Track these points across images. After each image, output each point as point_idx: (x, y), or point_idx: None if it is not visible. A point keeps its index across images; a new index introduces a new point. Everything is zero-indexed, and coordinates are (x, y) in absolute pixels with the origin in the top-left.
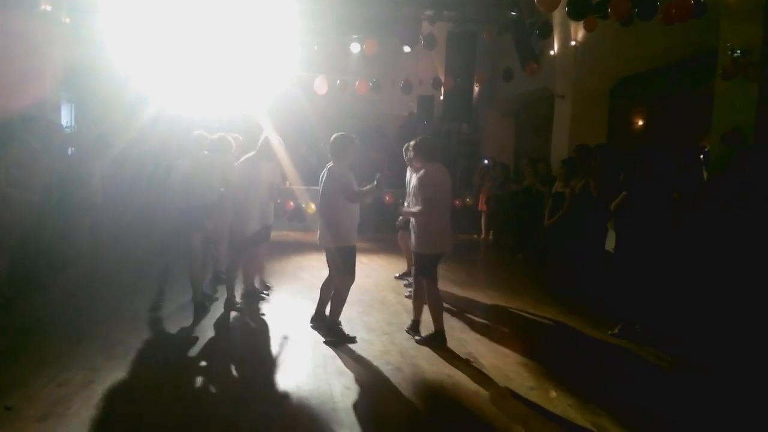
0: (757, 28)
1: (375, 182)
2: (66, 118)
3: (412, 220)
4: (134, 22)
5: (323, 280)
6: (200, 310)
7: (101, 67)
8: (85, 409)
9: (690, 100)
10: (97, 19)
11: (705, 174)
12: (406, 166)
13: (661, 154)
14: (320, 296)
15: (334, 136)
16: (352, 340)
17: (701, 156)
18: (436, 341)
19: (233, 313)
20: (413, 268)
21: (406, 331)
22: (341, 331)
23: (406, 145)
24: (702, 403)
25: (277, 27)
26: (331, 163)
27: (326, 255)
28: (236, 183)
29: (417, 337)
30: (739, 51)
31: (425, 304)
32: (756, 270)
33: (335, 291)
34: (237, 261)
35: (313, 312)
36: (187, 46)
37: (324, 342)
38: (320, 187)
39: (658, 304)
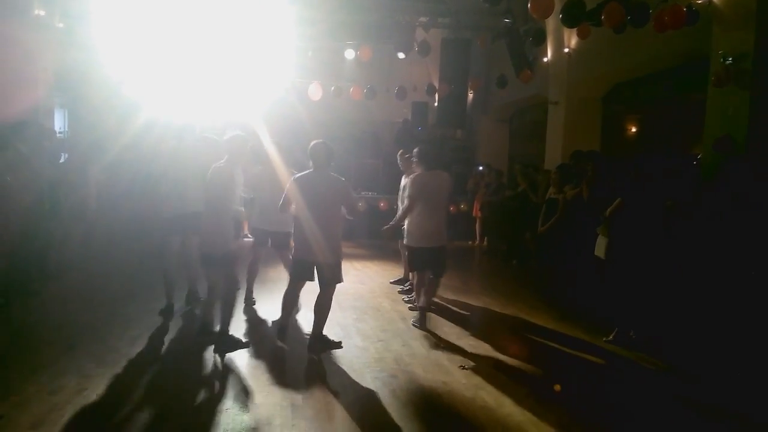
0: (749, 36)
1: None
2: (59, 123)
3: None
4: (128, 27)
5: (311, 292)
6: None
7: (94, 72)
8: (78, 417)
9: (682, 107)
10: (90, 24)
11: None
12: (401, 173)
13: (654, 160)
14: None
15: (313, 143)
16: (338, 345)
17: (694, 163)
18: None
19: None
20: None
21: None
22: (327, 339)
23: (400, 151)
24: (696, 409)
25: (272, 33)
26: (312, 170)
27: (318, 270)
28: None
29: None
30: (731, 58)
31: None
32: (748, 276)
33: (324, 303)
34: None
35: (309, 336)
36: (181, 52)
37: (308, 349)
38: (315, 196)
39: (653, 311)
